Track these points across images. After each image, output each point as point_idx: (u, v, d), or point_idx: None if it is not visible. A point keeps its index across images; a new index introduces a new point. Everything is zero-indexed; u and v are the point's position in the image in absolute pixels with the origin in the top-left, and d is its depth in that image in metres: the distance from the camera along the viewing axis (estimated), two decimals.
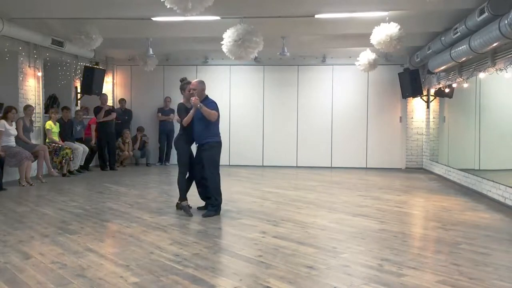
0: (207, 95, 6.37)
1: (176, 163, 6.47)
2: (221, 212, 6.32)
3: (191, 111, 6.18)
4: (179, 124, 6.47)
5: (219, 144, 6.38)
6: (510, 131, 8.12)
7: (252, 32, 7.36)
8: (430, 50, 9.59)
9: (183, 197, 6.34)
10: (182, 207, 6.29)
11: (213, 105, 6.23)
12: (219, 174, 6.35)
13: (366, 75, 12.17)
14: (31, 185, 8.54)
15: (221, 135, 6.46)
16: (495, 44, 6.85)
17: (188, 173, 6.44)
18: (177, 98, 12.79)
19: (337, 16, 8.09)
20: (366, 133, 12.48)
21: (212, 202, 6.25)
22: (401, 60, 12.16)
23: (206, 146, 6.26)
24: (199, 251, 4.42)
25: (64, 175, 9.88)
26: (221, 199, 6.33)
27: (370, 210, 6.55)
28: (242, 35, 7.29)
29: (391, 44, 7.62)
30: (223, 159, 12.54)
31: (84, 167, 10.86)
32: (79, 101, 11.70)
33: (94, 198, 7.37)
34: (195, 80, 6.42)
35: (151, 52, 10.06)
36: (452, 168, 9.77)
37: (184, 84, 6.44)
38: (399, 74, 11.91)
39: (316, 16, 7.91)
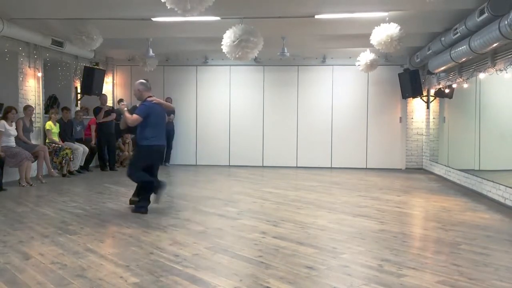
0: (150, 96, 6.42)
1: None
2: (221, 212, 6.34)
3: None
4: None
5: (147, 148, 6.28)
6: (510, 132, 8.12)
7: (250, 32, 7.34)
8: (430, 51, 9.60)
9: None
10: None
11: (139, 108, 6.33)
12: (140, 174, 6.27)
13: (366, 76, 12.17)
14: (31, 185, 8.54)
15: (163, 137, 6.59)
16: (495, 45, 6.85)
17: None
18: (178, 98, 12.87)
19: (337, 17, 8.08)
20: (366, 134, 12.48)
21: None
22: (401, 61, 12.17)
23: (137, 148, 6.42)
24: (199, 251, 4.42)
25: (64, 175, 9.88)
26: (144, 202, 6.31)
27: (370, 211, 6.56)
28: (239, 35, 7.29)
29: (392, 44, 7.62)
30: (224, 159, 12.81)
31: (84, 168, 10.87)
32: (79, 102, 11.71)
33: (94, 199, 7.37)
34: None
35: (151, 52, 10.06)
36: (452, 168, 9.78)
37: None
38: (399, 74, 11.92)
39: (316, 16, 7.90)
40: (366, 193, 8.26)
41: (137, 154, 6.48)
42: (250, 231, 5.28)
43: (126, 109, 6.40)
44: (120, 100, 6.46)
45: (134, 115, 6.22)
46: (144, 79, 6.79)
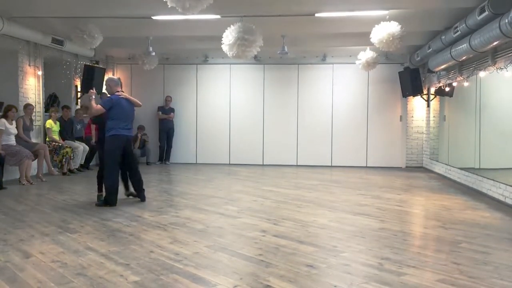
0: (118, 91, 6.82)
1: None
2: (221, 211, 6.34)
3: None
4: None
5: (112, 137, 6.59)
6: (510, 130, 8.12)
7: (248, 31, 7.34)
8: (431, 49, 9.58)
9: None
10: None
11: (103, 101, 6.79)
12: (110, 167, 6.59)
13: (366, 74, 12.16)
14: (31, 184, 8.54)
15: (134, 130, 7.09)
16: (495, 43, 6.85)
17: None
18: (178, 97, 12.87)
19: (337, 15, 8.08)
20: (366, 132, 12.48)
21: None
22: (401, 59, 12.15)
23: (105, 141, 6.68)
24: (199, 249, 4.42)
25: (64, 174, 9.89)
26: (109, 196, 6.57)
27: (370, 209, 6.56)
28: (237, 34, 7.30)
29: (393, 43, 7.62)
30: (224, 158, 12.81)
31: (85, 166, 10.87)
32: (79, 100, 11.71)
33: (94, 197, 7.35)
34: None
35: (151, 51, 10.06)
36: (452, 167, 9.77)
37: None
38: (399, 73, 11.91)
39: (317, 15, 7.90)
40: (366, 191, 8.26)
41: (106, 148, 6.65)
42: (250, 229, 5.28)
43: (93, 97, 6.74)
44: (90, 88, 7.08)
45: (98, 105, 6.66)
46: (115, 77, 7.31)
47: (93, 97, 6.75)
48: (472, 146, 9.00)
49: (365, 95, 12.47)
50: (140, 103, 7.18)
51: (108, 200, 6.59)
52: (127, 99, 6.87)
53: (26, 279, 3.59)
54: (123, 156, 6.76)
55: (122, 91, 6.97)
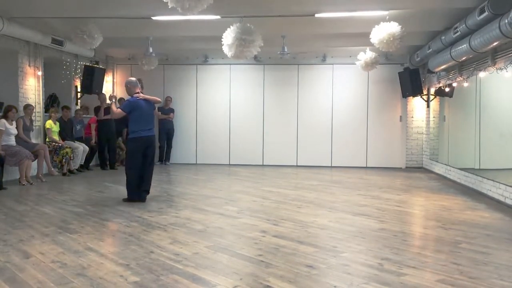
0: (137, 92, 6.99)
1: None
2: (221, 211, 6.34)
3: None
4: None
5: (134, 140, 6.87)
6: (510, 131, 8.12)
7: (247, 31, 7.34)
8: (430, 49, 9.59)
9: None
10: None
11: (123, 104, 7.06)
12: (130, 168, 6.85)
13: (366, 74, 12.17)
14: (31, 184, 8.54)
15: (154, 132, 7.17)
16: (495, 43, 6.85)
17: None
18: (178, 97, 12.88)
19: (337, 15, 8.08)
20: (366, 132, 12.48)
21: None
22: (401, 59, 12.16)
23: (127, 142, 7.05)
24: (199, 250, 4.42)
25: (64, 174, 9.88)
26: (129, 193, 6.85)
27: (370, 209, 6.56)
28: (236, 34, 7.31)
29: (393, 43, 7.62)
30: (224, 158, 12.82)
31: (84, 166, 10.87)
32: (79, 100, 11.70)
33: (94, 197, 7.38)
34: None
35: (151, 51, 10.06)
36: (452, 167, 9.78)
37: None
38: (399, 73, 11.91)
39: (317, 15, 7.90)
40: (366, 192, 8.26)
41: (128, 148, 7.01)
42: (250, 230, 5.28)
43: (113, 101, 7.09)
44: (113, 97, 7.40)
45: (118, 109, 6.91)
46: (136, 78, 7.46)
47: (113, 100, 7.04)
48: (472, 147, 9.00)
49: (365, 96, 12.47)
50: (159, 99, 7.42)
51: (130, 197, 6.85)
52: (145, 100, 7.00)
53: (26, 279, 3.59)
54: (144, 154, 6.93)
55: (142, 92, 7.12)
